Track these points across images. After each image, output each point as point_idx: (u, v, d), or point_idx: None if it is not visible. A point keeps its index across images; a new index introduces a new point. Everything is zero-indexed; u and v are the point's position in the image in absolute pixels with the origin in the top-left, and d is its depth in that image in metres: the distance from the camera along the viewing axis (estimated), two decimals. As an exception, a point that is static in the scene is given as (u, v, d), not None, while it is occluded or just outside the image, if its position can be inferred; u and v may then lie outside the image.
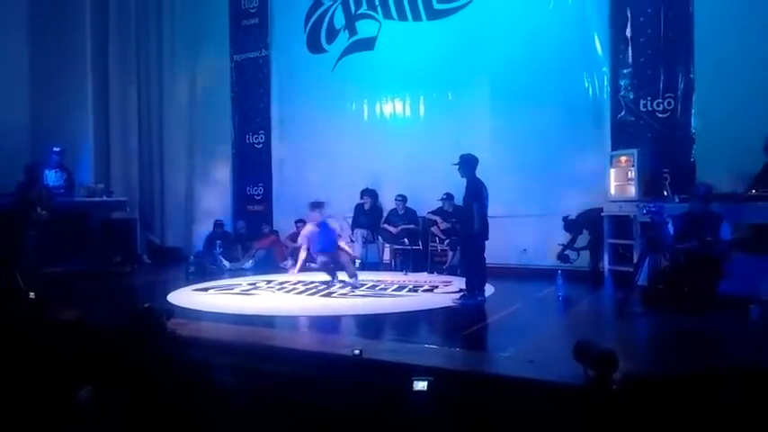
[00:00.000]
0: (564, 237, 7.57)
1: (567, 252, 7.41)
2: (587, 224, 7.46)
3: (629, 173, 7.05)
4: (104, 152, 10.20)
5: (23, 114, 9.38)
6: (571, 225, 7.52)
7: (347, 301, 6.40)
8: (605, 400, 2.97)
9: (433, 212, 8.48)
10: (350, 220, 9.08)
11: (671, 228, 5.45)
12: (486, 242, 6.14)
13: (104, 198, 9.03)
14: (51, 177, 8.43)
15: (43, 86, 9.58)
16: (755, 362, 3.66)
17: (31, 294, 5.80)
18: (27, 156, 8.54)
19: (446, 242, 8.28)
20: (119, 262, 8.70)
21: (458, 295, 6.19)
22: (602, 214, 7.24)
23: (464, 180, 6.17)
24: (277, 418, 3.32)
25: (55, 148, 8.61)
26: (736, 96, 6.72)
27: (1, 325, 3.98)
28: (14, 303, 5.64)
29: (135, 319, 3.88)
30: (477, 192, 6.02)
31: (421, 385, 3.19)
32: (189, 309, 5.87)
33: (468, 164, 6.09)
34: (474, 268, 6.16)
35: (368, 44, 9.46)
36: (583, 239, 7.54)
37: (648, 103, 7.41)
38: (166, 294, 6.69)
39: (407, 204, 8.77)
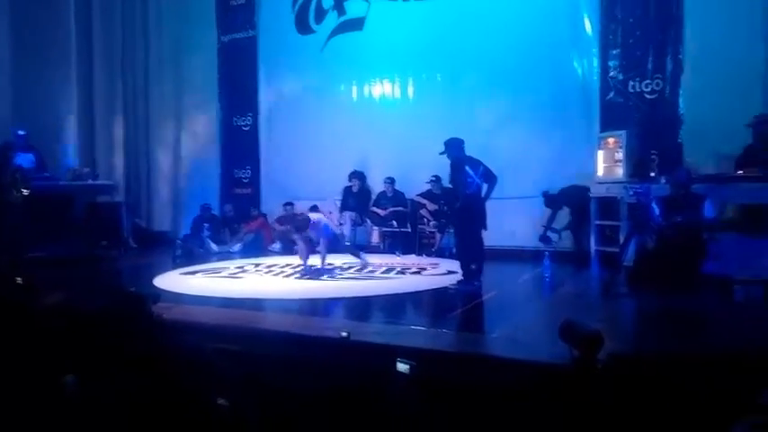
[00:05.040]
0: (547, 215, 7.55)
1: (548, 233, 7.41)
2: (568, 201, 7.43)
3: (617, 154, 7.06)
4: (89, 135, 10.04)
5: (5, 96, 9.20)
6: (551, 200, 7.49)
7: (335, 284, 6.40)
8: (590, 379, 2.99)
9: (422, 195, 8.47)
10: (338, 203, 9.05)
11: (656, 209, 5.48)
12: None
13: (90, 182, 8.92)
14: (18, 160, 8.23)
15: (26, 67, 9.38)
16: (738, 342, 3.70)
17: (19, 279, 5.73)
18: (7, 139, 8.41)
19: (431, 224, 8.29)
20: (105, 246, 8.62)
21: (455, 281, 6.11)
22: (590, 195, 7.25)
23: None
24: (264, 401, 3.32)
25: (19, 132, 8.32)
26: (724, 78, 6.72)
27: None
28: (-1, 288, 5.57)
29: (120, 304, 3.85)
30: (457, 174, 5.98)
31: (403, 368, 3.20)
32: (176, 293, 5.85)
33: (450, 147, 6.01)
34: (469, 252, 6.09)
35: (357, 24, 9.34)
36: (563, 219, 7.53)
37: (637, 84, 7.40)
38: (153, 278, 6.65)
39: (396, 187, 8.75)
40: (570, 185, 7.48)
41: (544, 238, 7.41)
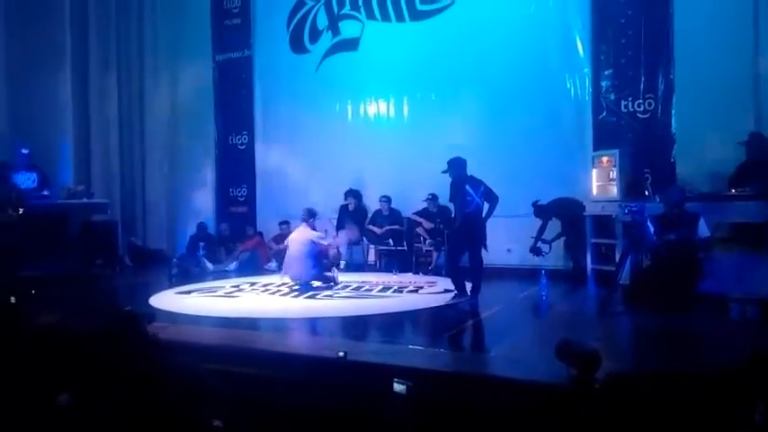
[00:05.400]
0: (537, 227, 7.54)
1: (539, 245, 7.39)
2: (559, 212, 7.42)
3: (611, 173, 7.12)
4: (85, 153, 10.04)
5: (1, 114, 9.21)
6: (541, 210, 7.48)
7: (332, 303, 6.37)
8: (588, 399, 2.98)
9: (418, 213, 8.49)
10: (334, 222, 9.05)
11: (652, 227, 5.51)
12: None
13: (85, 200, 8.90)
14: (20, 179, 8.27)
15: (21, 87, 9.42)
16: (735, 360, 3.70)
17: (12, 299, 5.69)
18: (5, 158, 8.41)
19: (428, 242, 8.30)
20: (100, 265, 8.57)
21: (450, 296, 6.22)
22: (585, 213, 7.29)
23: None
24: (260, 423, 3.29)
25: (23, 150, 8.42)
26: (716, 97, 6.82)
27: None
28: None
29: (115, 324, 3.82)
30: (455, 193, 6.11)
31: (400, 388, 3.19)
32: (171, 312, 5.81)
33: (453, 166, 6.16)
34: (462, 270, 6.17)
35: (351, 45, 9.45)
36: (553, 230, 7.53)
37: (629, 103, 7.48)
38: (148, 297, 6.61)
39: (392, 205, 8.77)
40: (561, 197, 7.50)
41: (534, 250, 7.40)
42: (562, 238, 7.56)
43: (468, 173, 6.21)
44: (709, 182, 6.50)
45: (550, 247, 7.44)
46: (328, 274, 7.20)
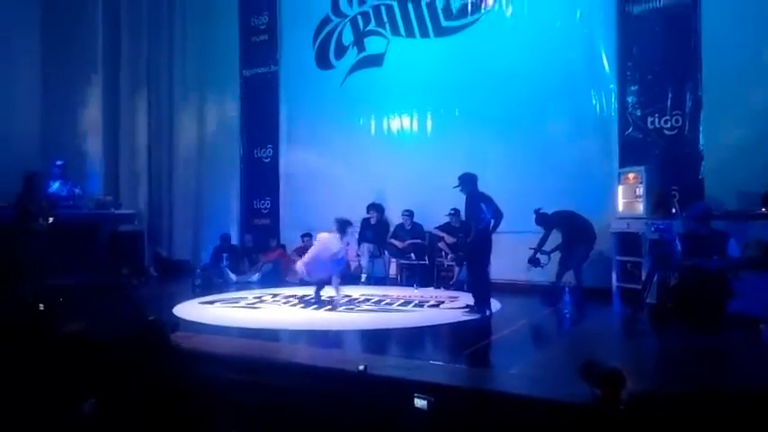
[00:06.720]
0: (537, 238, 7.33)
1: (537, 255, 7.18)
2: (561, 224, 7.19)
3: (637, 190, 7.01)
4: (113, 165, 10.29)
5: (34, 127, 9.50)
6: (542, 219, 7.25)
7: (353, 316, 6.37)
8: (612, 419, 2.93)
9: (440, 228, 8.47)
10: (356, 235, 9.08)
11: (679, 245, 5.41)
12: (493, 258, 6.16)
13: (112, 211, 9.09)
14: (55, 188, 8.53)
15: (54, 98, 9.71)
16: (764, 381, 3.60)
17: (41, 306, 5.80)
18: (37, 168, 8.65)
19: (449, 257, 8.27)
20: (126, 274, 8.72)
21: (466, 309, 6.23)
22: (611, 231, 7.18)
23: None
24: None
25: (57, 162, 8.74)
26: (745, 113, 6.71)
27: (6, 336, 3.98)
28: (20, 314, 5.64)
29: (140, 332, 3.88)
30: (473, 208, 6.11)
31: (421, 403, 3.17)
32: (195, 322, 5.87)
33: (466, 182, 6.18)
34: (477, 283, 6.18)
35: (376, 60, 9.53)
36: (554, 242, 7.31)
37: (656, 120, 7.39)
38: (172, 307, 6.70)
39: (414, 219, 8.76)
40: (566, 209, 7.29)
41: (533, 260, 7.22)
42: (557, 243, 7.32)
43: (486, 188, 6.24)
44: (739, 200, 6.37)
45: (549, 258, 7.27)
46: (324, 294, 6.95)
